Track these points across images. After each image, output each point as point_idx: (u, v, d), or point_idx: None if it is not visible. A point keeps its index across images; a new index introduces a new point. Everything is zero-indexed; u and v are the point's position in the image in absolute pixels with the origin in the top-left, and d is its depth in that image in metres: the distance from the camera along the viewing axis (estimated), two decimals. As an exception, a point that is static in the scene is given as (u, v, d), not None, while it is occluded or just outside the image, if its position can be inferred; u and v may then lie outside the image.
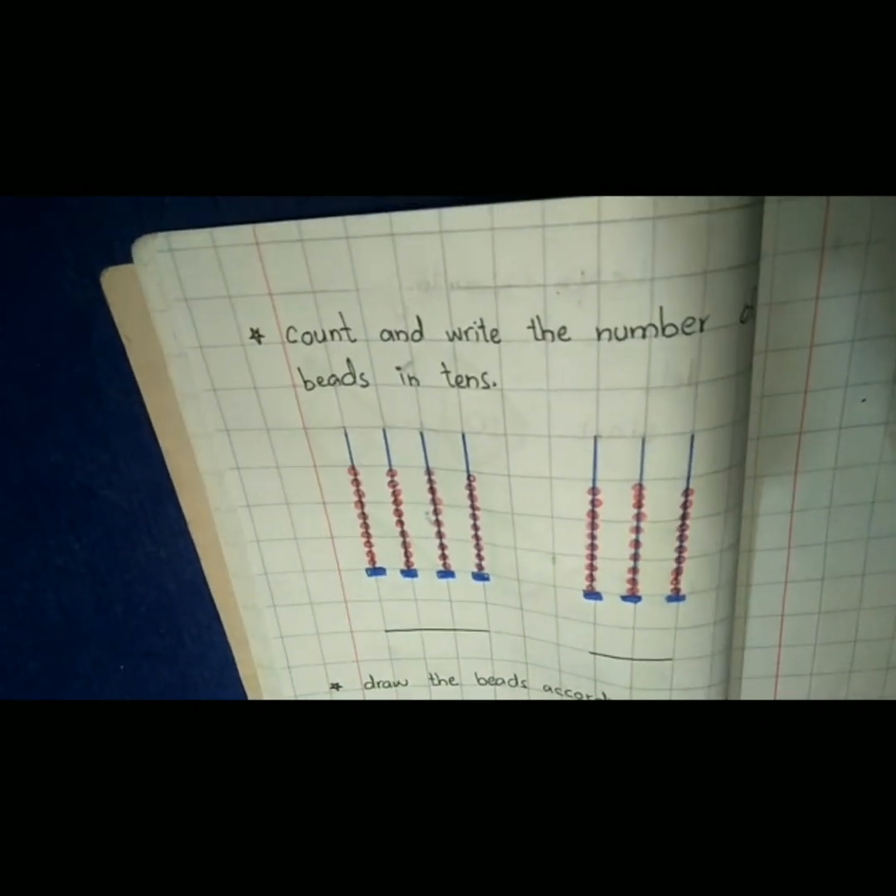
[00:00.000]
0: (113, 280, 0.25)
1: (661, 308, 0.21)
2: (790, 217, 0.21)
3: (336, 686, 0.30)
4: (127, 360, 0.26)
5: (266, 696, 0.31)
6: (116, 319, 0.25)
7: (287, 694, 0.30)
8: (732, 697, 0.28)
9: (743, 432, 0.23)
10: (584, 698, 0.28)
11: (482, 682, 0.30)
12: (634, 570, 0.25)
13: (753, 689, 0.29)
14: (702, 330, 0.21)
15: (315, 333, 0.24)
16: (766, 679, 0.29)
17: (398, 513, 0.27)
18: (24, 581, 0.30)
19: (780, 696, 0.29)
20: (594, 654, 0.27)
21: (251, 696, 0.31)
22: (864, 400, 0.24)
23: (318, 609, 0.29)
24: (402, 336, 0.23)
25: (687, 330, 0.21)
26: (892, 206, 0.21)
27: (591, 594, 0.26)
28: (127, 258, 0.24)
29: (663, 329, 0.21)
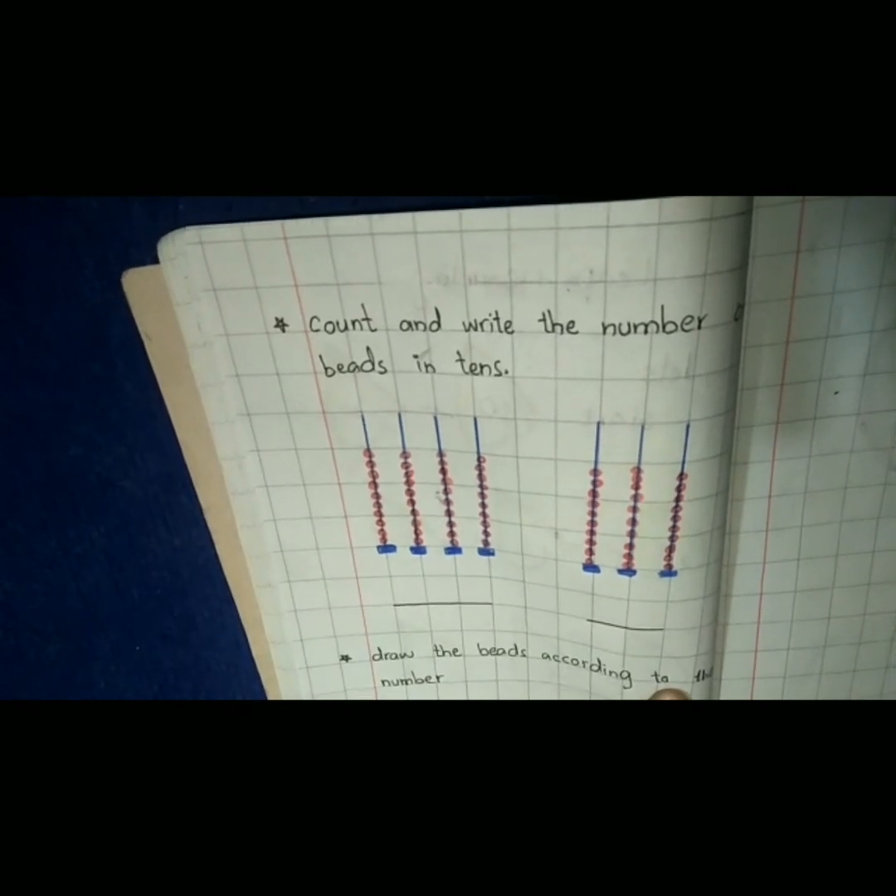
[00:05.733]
0: (134, 281, 0.26)
1: (662, 306, 0.22)
2: (768, 223, 0.23)
3: (346, 658, 0.32)
4: (145, 358, 0.27)
5: (277, 670, 0.32)
6: (137, 318, 0.26)
7: (298, 666, 0.32)
8: (715, 669, 0.30)
9: (732, 422, 0.25)
10: (581, 664, 0.30)
11: (484, 652, 0.31)
12: (631, 546, 0.27)
13: (735, 662, 0.31)
14: (699, 327, 0.23)
15: (337, 323, 0.25)
16: (746, 653, 0.31)
17: (410, 493, 0.28)
18: (46, 569, 0.31)
19: (760, 669, 0.31)
20: (591, 621, 0.29)
21: (262, 673, 0.33)
22: (836, 392, 0.26)
23: (331, 584, 0.30)
24: (421, 326, 0.25)
25: (686, 327, 0.23)
26: (863, 212, 0.23)
27: (590, 567, 0.28)
28: (143, 261, 0.25)
29: (664, 326, 0.23)
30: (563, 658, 0.30)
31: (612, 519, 0.26)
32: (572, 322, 0.23)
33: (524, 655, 0.31)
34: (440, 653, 0.32)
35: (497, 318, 0.24)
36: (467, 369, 0.25)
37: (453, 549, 0.29)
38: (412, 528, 0.29)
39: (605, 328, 0.23)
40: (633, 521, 0.26)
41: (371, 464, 0.28)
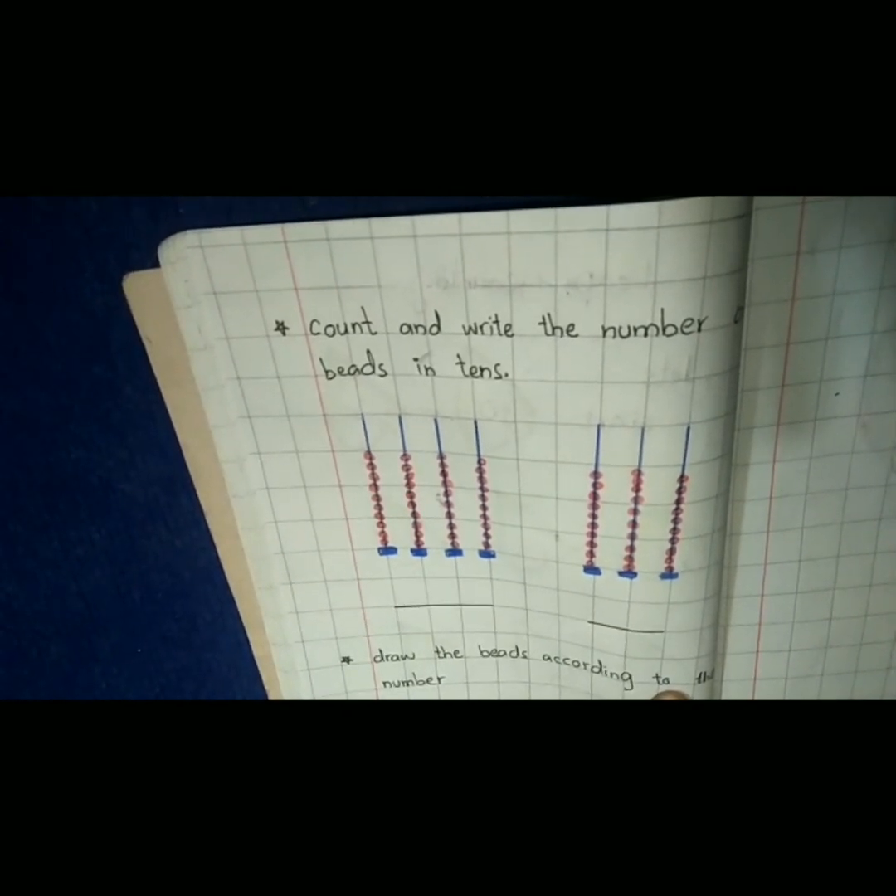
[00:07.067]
0: (135, 284, 0.26)
1: (662, 309, 0.22)
2: (768, 224, 0.23)
3: (347, 659, 0.32)
4: (146, 361, 0.27)
5: (279, 672, 0.32)
6: (138, 321, 0.26)
7: (300, 668, 0.32)
8: (717, 670, 0.30)
9: (733, 424, 0.25)
10: (582, 666, 0.30)
11: (485, 654, 0.31)
12: (631, 548, 0.27)
13: (736, 664, 0.31)
14: (699, 330, 0.23)
15: (337, 326, 0.25)
16: (747, 655, 0.31)
17: (411, 495, 0.28)
18: (47, 570, 0.31)
19: (761, 671, 0.31)
20: (592, 623, 0.29)
21: (264, 675, 0.33)
22: (837, 394, 0.26)
23: (332, 586, 0.30)
24: (421, 329, 0.25)
25: (686, 330, 0.23)
26: (863, 213, 0.23)
27: (591, 569, 0.28)
28: (144, 264, 0.25)
29: (664, 329, 0.23)
30: (564, 660, 0.30)
31: (613, 521, 0.26)
32: (572, 325, 0.23)
33: (525, 657, 0.31)
34: (441, 654, 0.32)
35: (497, 321, 0.24)
36: (467, 372, 0.25)
37: (454, 551, 0.30)
38: (413, 530, 0.29)
39: (604, 331, 0.23)
40: (634, 524, 0.26)
41: (372, 466, 0.28)
